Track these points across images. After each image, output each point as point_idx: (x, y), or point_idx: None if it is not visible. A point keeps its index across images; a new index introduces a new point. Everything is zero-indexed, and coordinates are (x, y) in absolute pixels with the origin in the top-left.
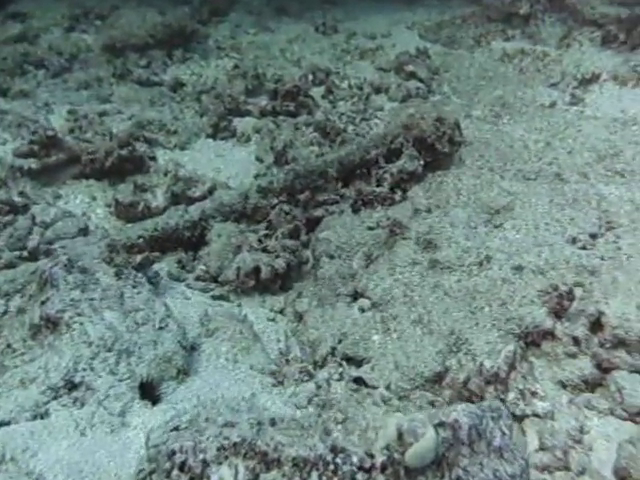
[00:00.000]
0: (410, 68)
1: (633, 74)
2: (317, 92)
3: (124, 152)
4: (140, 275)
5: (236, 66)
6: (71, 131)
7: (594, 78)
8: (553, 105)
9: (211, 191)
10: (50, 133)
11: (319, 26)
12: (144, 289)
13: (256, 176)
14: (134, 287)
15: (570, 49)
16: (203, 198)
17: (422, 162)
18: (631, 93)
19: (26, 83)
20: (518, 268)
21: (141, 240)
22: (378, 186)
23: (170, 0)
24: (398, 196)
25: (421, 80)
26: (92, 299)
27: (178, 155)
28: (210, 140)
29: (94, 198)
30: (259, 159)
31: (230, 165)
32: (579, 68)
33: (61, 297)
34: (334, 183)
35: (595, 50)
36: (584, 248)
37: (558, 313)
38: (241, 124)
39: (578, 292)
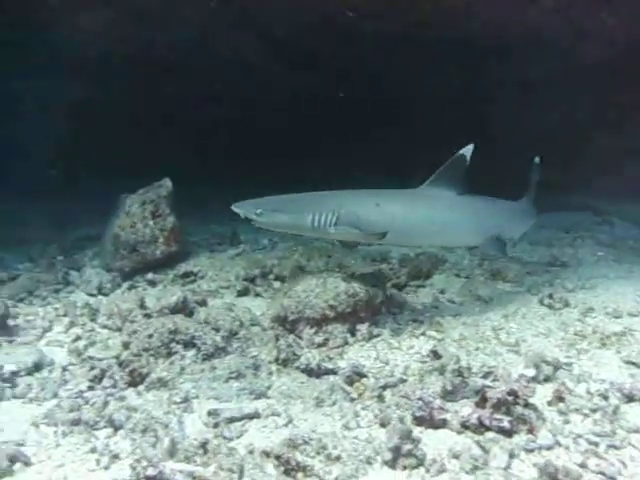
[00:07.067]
0: None
1: None
2: (542, 393)
3: None
4: None
5: (435, 353)
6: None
7: None
8: None
9: None
10: (151, 473)
11: (544, 297)
12: None
13: None
14: None
15: None
16: None
17: None
18: None
19: (168, 369)
20: None
21: None
22: None
23: (367, 258)
24: None
25: None
26: None
27: None
28: (386, 469)
29: None
30: None
31: None
32: None
33: None
34: None
35: None
36: None
37: None
38: (432, 442)
39: None
